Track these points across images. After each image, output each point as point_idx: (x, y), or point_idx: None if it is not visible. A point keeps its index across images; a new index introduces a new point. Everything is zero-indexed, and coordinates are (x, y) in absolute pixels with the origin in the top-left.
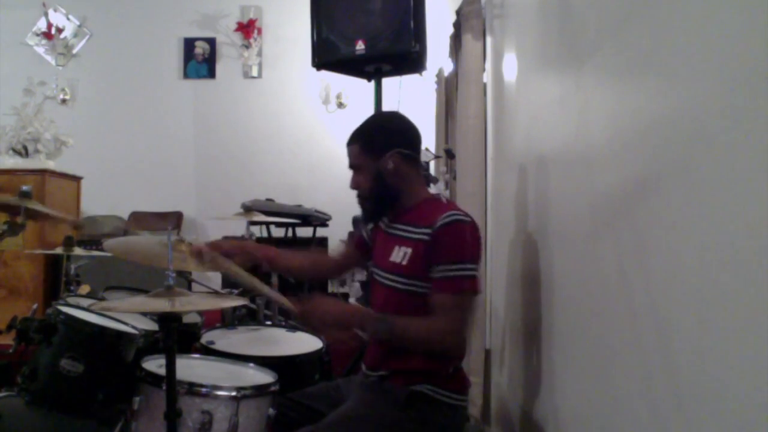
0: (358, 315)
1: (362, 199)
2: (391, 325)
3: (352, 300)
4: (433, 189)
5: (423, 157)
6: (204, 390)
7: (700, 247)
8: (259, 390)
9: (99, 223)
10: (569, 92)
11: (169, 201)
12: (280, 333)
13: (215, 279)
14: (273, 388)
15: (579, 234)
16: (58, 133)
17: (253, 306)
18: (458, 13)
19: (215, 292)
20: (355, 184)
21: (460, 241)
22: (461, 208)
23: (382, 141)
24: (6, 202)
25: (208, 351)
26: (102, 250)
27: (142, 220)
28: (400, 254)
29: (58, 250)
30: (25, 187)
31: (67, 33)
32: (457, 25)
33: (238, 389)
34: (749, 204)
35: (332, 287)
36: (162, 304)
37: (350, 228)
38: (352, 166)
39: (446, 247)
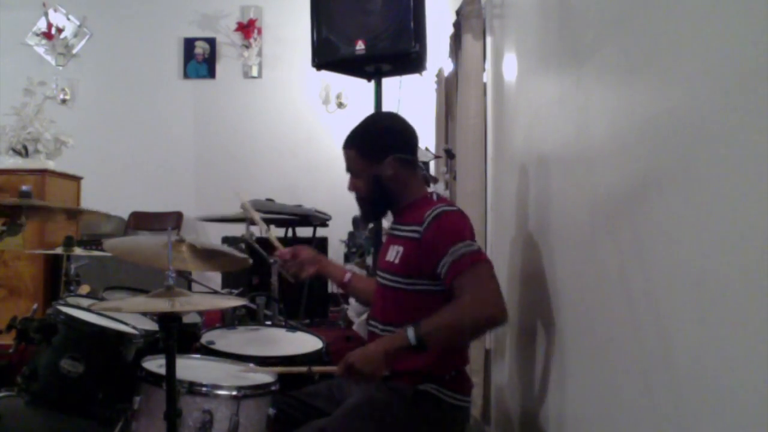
0: (389, 337)
1: (361, 201)
2: (417, 326)
3: (352, 300)
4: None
5: (423, 157)
6: (204, 389)
7: (700, 246)
8: (260, 389)
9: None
10: (569, 92)
11: (169, 201)
12: (280, 333)
13: (215, 279)
14: (273, 388)
15: (579, 234)
16: (58, 133)
17: (253, 306)
18: (458, 13)
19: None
20: (353, 187)
21: (452, 226)
22: (457, 206)
23: (379, 146)
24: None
25: (208, 351)
26: (102, 250)
27: (142, 220)
28: (393, 253)
29: (58, 250)
30: (25, 187)
31: (67, 33)
32: (457, 25)
33: (239, 389)
34: (749, 203)
35: (331, 287)
36: (162, 304)
37: (350, 228)
38: (349, 170)
39: (442, 236)
